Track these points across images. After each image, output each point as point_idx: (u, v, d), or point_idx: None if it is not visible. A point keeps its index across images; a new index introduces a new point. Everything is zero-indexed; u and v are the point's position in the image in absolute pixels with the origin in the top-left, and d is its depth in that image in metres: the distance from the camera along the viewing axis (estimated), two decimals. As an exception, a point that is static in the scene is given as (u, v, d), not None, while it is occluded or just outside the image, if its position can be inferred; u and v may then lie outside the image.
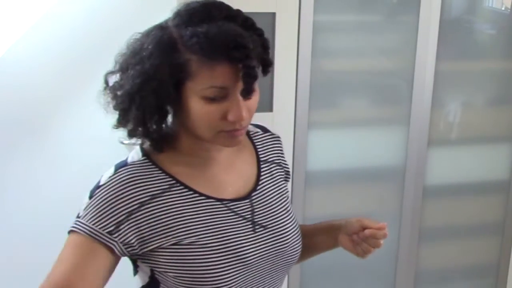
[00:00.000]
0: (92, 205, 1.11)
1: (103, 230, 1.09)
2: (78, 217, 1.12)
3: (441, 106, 2.23)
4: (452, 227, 2.39)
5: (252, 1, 1.86)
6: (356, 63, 2.15)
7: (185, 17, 1.08)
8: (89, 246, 1.09)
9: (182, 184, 1.16)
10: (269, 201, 1.24)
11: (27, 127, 2.17)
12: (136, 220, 1.11)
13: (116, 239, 1.10)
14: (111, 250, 1.10)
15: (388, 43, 2.17)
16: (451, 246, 2.41)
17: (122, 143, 1.85)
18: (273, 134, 1.34)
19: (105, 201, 1.10)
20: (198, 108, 1.07)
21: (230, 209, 1.18)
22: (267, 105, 1.99)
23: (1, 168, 2.19)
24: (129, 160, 1.16)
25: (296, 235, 1.26)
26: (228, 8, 1.10)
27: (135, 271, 1.22)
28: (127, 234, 1.10)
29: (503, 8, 2.24)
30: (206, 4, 1.09)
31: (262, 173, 1.26)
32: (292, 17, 1.95)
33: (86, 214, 1.10)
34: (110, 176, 1.12)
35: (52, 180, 2.21)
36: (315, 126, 2.11)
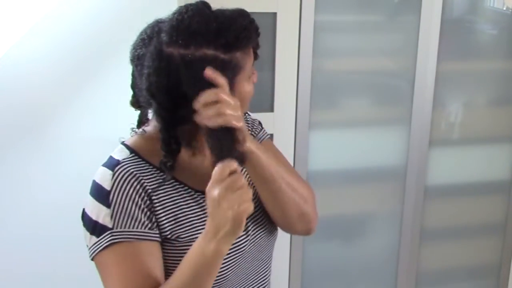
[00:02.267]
0: (116, 211, 1.10)
1: (144, 228, 1.11)
2: (108, 229, 1.10)
3: (442, 106, 2.22)
4: (454, 227, 2.39)
5: (253, 1, 1.86)
6: (357, 63, 2.14)
7: (197, 33, 1.09)
8: (141, 248, 1.10)
9: (172, 177, 1.18)
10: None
11: (27, 129, 2.17)
12: (154, 209, 1.14)
13: (157, 232, 1.13)
14: (157, 242, 1.13)
15: (389, 43, 2.16)
16: (453, 246, 2.41)
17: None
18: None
19: (126, 202, 1.11)
20: (249, 88, 1.18)
21: None
22: (268, 105, 1.99)
23: (0, 170, 2.19)
24: (119, 158, 1.17)
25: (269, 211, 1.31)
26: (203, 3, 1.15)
27: None
28: (158, 222, 1.13)
29: (504, 8, 2.24)
30: (193, 16, 1.11)
31: None
32: (293, 17, 1.95)
33: (117, 222, 1.10)
34: (112, 178, 1.12)
35: (52, 181, 2.21)
36: (316, 126, 2.11)
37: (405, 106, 2.18)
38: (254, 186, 1.29)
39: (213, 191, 1.00)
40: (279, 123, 2.01)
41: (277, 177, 1.24)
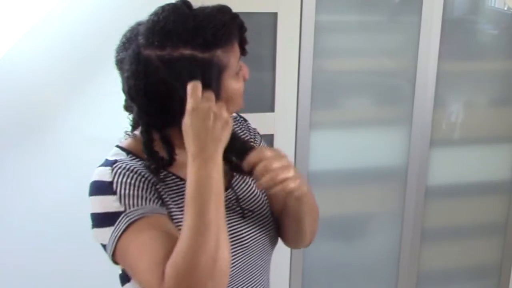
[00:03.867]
0: (124, 194, 1.09)
1: (155, 204, 1.10)
2: (121, 213, 1.08)
3: (443, 106, 2.22)
4: (454, 227, 2.39)
5: (254, 1, 1.86)
6: (358, 63, 2.14)
7: (172, 33, 1.07)
8: (158, 219, 1.08)
9: (173, 174, 1.17)
10: (248, 183, 1.28)
11: (27, 129, 2.17)
12: (159, 196, 1.13)
13: (166, 212, 1.12)
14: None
15: (390, 43, 2.16)
16: (453, 246, 2.41)
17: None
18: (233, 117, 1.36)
19: (130, 186, 1.10)
20: (237, 86, 1.15)
21: None
22: (268, 106, 1.99)
23: (1, 170, 2.19)
24: (116, 158, 1.16)
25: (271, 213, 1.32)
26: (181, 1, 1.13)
27: (125, 281, 1.21)
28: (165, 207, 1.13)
29: (505, 8, 2.24)
30: (168, 16, 1.09)
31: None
32: (294, 17, 1.95)
33: (128, 204, 1.08)
34: (112, 171, 1.11)
35: (53, 181, 2.21)
36: (317, 127, 2.11)
37: (406, 106, 2.18)
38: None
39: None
40: (279, 123, 2.01)
41: (309, 203, 1.26)
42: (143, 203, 1.09)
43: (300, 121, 2.06)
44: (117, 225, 1.08)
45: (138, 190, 1.10)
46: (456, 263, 2.44)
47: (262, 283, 1.30)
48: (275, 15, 1.92)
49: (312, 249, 2.23)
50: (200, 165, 1.02)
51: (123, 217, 1.07)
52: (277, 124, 2.00)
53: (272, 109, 2.00)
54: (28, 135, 2.17)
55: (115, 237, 1.08)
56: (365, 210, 2.29)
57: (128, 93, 1.11)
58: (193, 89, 1.05)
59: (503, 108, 2.33)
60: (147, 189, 1.11)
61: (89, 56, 2.12)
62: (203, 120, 1.03)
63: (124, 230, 1.07)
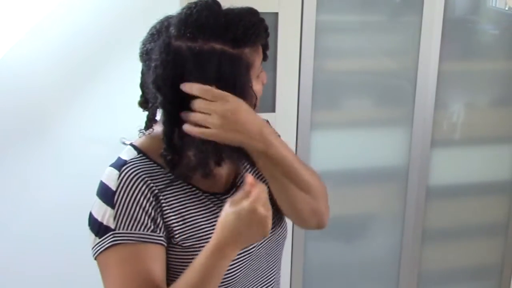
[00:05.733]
0: (120, 212, 1.10)
1: (147, 231, 1.10)
2: (111, 230, 1.10)
3: (444, 106, 2.22)
4: (456, 228, 2.39)
5: (255, 1, 1.86)
6: (359, 63, 2.14)
7: (205, 27, 1.09)
8: (143, 250, 1.10)
9: (181, 178, 1.17)
10: None
11: (28, 129, 2.17)
12: (162, 210, 1.13)
13: (161, 235, 1.12)
14: (161, 245, 1.12)
15: (391, 44, 2.16)
16: (454, 247, 2.40)
17: (124, 143, 1.85)
18: None
19: (130, 203, 1.10)
20: (257, 87, 1.17)
21: (225, 203, 1.20)
22: (269, 106, 1.99)
23: (2, 170, 2.19)
24: (127, 158, 1.16)
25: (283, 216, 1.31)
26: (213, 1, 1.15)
27: None
28: (164, 224, 1.13)
29: (506, 8, 2.24)
30: (201, 10, 1.11)
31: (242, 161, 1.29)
32: (294, 17, 1.94)
33: (120, 223, 1.10)
34: (118, 178, 1.12)
35: (53, 181, 2.21)
36: (318, 127, 2.11)
37: (407, 106, 2.17)
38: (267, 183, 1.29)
39: (257, 208, 1.02)
40: (280, 123, 2.00)
41: (292, 172, 1.24)
42: (136, 227, 1.10)
43: (301, 122, 2.06)
44: (102, 240, 1.10)
45: (136, 208, 1.11)
46: (457, 263, 2.43)
47: (271, 277, 1.30)
48: (276, 15, 1.92)
49: (313, 249, 2.23)
50: (216, 261, 1.05)
51: (110, 235, 1.10)
52: (278, 125, 2.00)
53: (273, 109, 2.00)
54: (29, 136, 2.17)
55: (98, 250, 1.11)
56: (366, 210, 2.29)
57: (155, 82, 1.11)
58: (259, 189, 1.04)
59: (504, 108, 2.33)
60: (144, 207, 1.11)
61: (90, 57, 2.12)
62: (249, 228, 1.04)
63: (107, 248, 1.09)
